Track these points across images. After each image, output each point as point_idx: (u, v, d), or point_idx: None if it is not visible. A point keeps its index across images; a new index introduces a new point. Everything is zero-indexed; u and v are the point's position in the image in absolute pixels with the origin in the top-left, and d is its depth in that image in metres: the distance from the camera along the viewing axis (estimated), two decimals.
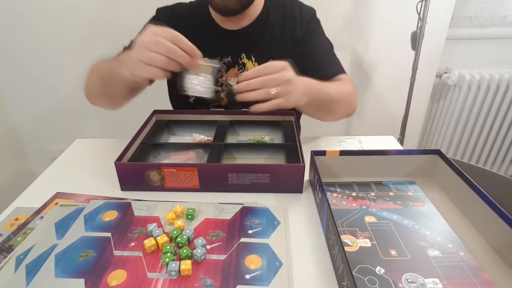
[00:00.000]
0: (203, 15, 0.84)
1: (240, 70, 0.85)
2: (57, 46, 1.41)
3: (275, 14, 0.84)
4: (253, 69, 0.57)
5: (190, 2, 0.88)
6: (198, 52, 0.57)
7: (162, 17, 0.85)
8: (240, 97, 0.57)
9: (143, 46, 0.54)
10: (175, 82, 0.80)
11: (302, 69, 0.77)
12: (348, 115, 0.83)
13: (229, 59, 0.84)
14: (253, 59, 0.84)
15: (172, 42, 0.54)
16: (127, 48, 0.82)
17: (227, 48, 0.84)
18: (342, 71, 0.84)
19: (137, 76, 0.58)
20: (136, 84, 0.70)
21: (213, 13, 0.82)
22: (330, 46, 0.87)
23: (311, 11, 0.87)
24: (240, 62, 0.84)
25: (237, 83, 0.58)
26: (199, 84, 0.60)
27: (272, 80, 0.56)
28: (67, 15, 1.35)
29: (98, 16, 1.36)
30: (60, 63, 1.45)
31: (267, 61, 0.81)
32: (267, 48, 0.84)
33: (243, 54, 0.84)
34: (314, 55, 0.85)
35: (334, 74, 0.82)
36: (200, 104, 0.87)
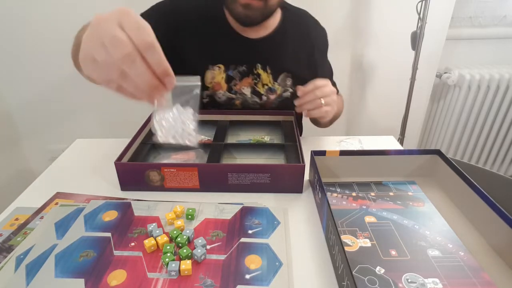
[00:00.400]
0: (219, 15, 0.81)
1: (255, 81, 0.84)
2: (57, 46, 1.41)
3: (293, 28, 0.85)
4: (309, 84, 0.71)
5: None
6: (172, 79, 0.38)
7: (178, 5, 0.79)
8: (299, 109, 0.73)
9: (95, 36, 0.35)
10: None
11: (309, 80, 0.83)
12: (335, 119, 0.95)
13: (243, 68, 0.83)
14: (268, 71, 0.84)
15: (143, 54, 0.35)
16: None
17: (243, 57, 0.82)
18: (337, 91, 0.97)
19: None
20: None
21: (230, 18, 0.80)
22: (331, 69, 0.97)
23: (325, 34, 0.92)
24: (255, 72, 0.83)
25: (296, 92, 0.72)
26: (175, 129, 0.45)
27: (322, 92, 0.70)
28: (68, 14, 1.35)
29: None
30: (60, 63, 1.45)
31: (281, 73, 0.86)
32: (283, 60, 0.84)
33: (258, 64, 0.83)
34: (321, 74, 0.91)
35: None
36: (213, 106, 0.86)
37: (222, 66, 0.82)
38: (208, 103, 0.86)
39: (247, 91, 0.85)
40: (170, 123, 0.45)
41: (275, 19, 0.82)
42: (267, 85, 0.85)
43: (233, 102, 0.85)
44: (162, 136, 0.45)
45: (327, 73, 0.96)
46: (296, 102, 0.72)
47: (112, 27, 0.35)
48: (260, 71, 0.83)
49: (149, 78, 0.36)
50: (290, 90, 0.86)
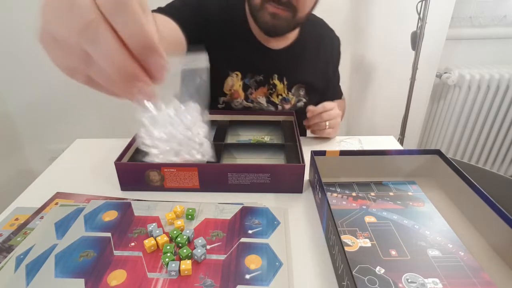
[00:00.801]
0: (242, 20, 0.79)
1: (270, 91, 0.84)
2: None
3: (311, 39, 0.85)
4: (317, 108, 0.77)
5: None
6: (160, 59, 0.25)
7: (205, 2, 0.77)
8: (306, 125, 0.80)
9: (57, 8, 0.25)
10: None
11: (321, 91, 0.85)
12: None
13: (260, 77, 0.83)
14: (285, 82, 0.84)
15: (109, 20, 0.23)
16: (163, 10, 0.71)
17: (261, 66, 0.82)
18: (342, 95, 1.03)
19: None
20: None
21: (253, 25, 0.79)
22: (339, 76, 0.99)
23: (339, 44, 0.94)
24: (271, 82, 0.83)
25: (307, 111, 0.78)
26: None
27: (329, 115, 0.77)
28: None
29: None
30: None
31: (296, 84, 0.87)
32: (300, 72, 0.85)
33: (275, 75, 0.83)
34: (333, 83, 0.96)
35: (338, 98, 1.00)
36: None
37: (239, 74, 0.82)
38: (225, 108, 0.86)
39: (262, 100, 0.85)
40: (167, 132, 0.30)
41: (295, 31, 0.82)
42: (281, 95, 0.85)
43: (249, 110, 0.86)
44: (157, 153, 0.31)
45: (337, 81, 0.99)
46: (305, 122, 0.80)
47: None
48: (276, 81, 0.83)
49: (120, 58, 0.23)
50: (304, 100, 0.87)
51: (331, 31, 0.92)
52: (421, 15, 1.25)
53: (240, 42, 0.80)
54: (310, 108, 0.77)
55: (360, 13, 1.38)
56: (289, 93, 0.85)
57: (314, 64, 0.86)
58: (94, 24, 0.22)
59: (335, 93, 1.00)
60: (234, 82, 0.82)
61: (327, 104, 0.76)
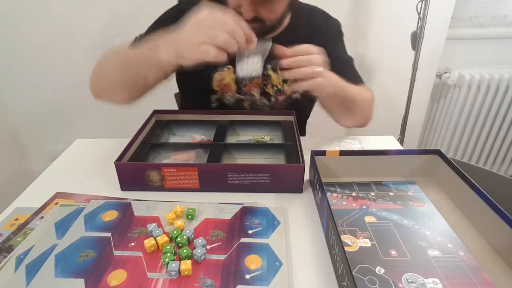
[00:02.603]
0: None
1: (265, 82, 0.84)
2: (57, 47, 1.41)
3: (301, 27, 0.83)
4: (295, 47, 0.59)
5: None
6: (254, 37, 0.56)
7: (184, 7, 0.76)
8: (286, 74, 0.59)
9: (200, 25, 0.52)
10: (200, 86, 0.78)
11: None
12: (363, 124, 0.84)
13: None
14: (279, 72, 0.83)
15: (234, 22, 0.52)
16: (141, 36, 0.78)
17: None
18: (362, 82, 0.85)
19: (189, 58, 0.54)
20: (175, 68, 0.62)
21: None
22: (350, 58, 0.89)
23: (337, 25, 0.88)
24: (265, 73, 0.83)
25: (277, 58, 0.60)
26: (250, 65, 0.61)
27: (316, 59, 0.59)
28: (67, 15, 1.35)
29: (99, 20, 1.36)
30: (60, 63, 1.46)
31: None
32: None
33: (268, 65, 0.82)
34: (335, 66, 0.82)
35: (355, 84, 0.82)
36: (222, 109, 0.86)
37: (231, 67, 0.81)
38: (217, 108, 0.86)
39: (256, 92, 0.84)
40: (250, 62, 0.60)
41: (285, 19, 0.81)
42: (276, 86, 0.85)
43: (242, 104, 0.85)
44: (242, 71, 0.61)
45: (343, 62, 0.86)
46: (281, 65, 0.60)
47: (213, 16, 0.53)
48: (270, 72, 0.83)
49: (244, 39, 0.54)
50: (300, 91, 0.86)
51: (324, 14, 0.88)
52: (421, 15, 1.25)
53: None
54: (286, 49, 0.60)
55: (360, 12, 1.38)
56: (284, 84, 0.85)
57: None
58: (237, 28, 0.54)
59: (350, 78, 0.80)
60: (224, 76, 0.82)
61: (307, 46, 0.60)
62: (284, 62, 0.59)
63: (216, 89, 0.83)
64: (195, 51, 0.52)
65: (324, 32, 0.85)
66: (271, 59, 0.72)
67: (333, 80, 0.65)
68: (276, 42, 0.82)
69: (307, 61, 0.59)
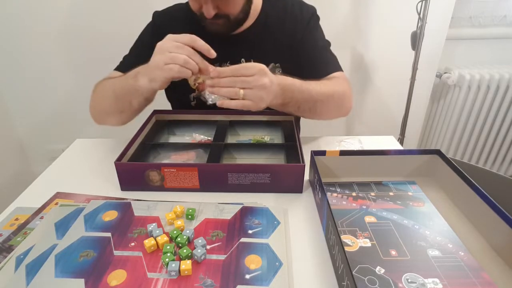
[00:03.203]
0: (197, 20, 0.79)
1: None
2: (57, 46, 1.41)
3: (275, 16, 0.83)
4: (229, 67, 0.59)
5: (187, 2, 0.83)
6: (212, 52, 0.61)
7: (158, 21, 0.85)
8: (210, 90, 0.61)
9: (162, 50, 0.59)
10: (177, 86, 0.79)
11: (297, 67, 0.78)
12: (341, 116, 0.80)
13: (227, 64, 0.82)
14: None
15: (189, 45, 0.59)
16: (125, 58, 0.83)
17: (225, 53, 0.78)
18: (336, 69, 0.82)
19: (158, 79, 0.60)
20: (152, 92, 0.69)
21: None
22: (326, 43, 0.86)
23: (311, 10, 0.85)
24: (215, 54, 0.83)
25: (211, 76, 0.60)
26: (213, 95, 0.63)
27: (244, 82, 0.58)
28: (67, 17, 1.35)
29: (99, 21, 1.36)
30: (60, 64, 1.45)
31: (268, 64, 0.80)
32: (267, 51, 0.83)
33: (242, 59, 0.82)
34: (309, 54, 0.83)
35: (327, 73, 0.80)
36: (201, 107, 0.85)
37: None
38: (196, 106, 0.86)
39: None
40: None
41: (255, 11, 0.81)
42: None
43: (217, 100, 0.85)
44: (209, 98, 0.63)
45: (319, 48, 0.84)
46: (207, 83, 0.61)
47: (171, 43, 0.60)
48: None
49: (201, 60, 0.60)
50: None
51: (298, 1, 0.86)
52: (421, 15, 1.25)
53: (199, 35, 0.78)
54: (218, 68, 0.60)
55: (360, 13, 1.38)
56: None
57: (279, 39, 0.83)
58: (190, 50, 0.60)
59: (321, 64, 0.82)
60: (199, 75, 0.81)
61: (245, 66, 0.58)
62: (210, 82, 0.60)
63: (193, 88, 0.83)
64: (161, 71, 0.59)
65: (299, 18, 0.83)
66: None
67: (279, 92, 0.63)
68: (245, 39, 0.82)
69: (240, 82, 0.58)
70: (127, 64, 0.78)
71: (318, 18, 0.86)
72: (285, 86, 0.64)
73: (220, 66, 0.80)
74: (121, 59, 0.84)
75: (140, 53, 0.80)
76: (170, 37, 0.60)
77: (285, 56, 0.83)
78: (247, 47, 0.82)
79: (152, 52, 0.74)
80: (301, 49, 0.84)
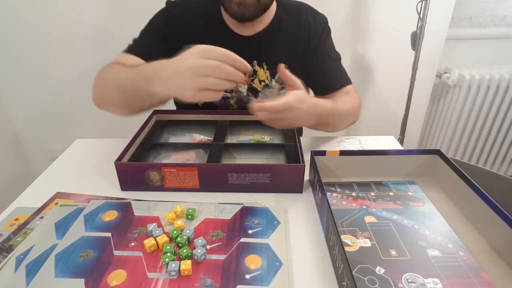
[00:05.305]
0: (214, 16, 0.81)
1: (251, 77, 0.83)
2: (57, 46, 1.41)
3: (289, 21, 0.83)
4: (273, 106, 0.56)
5: None
6: (249, 68, 0.55)
7: (173, 10, 0.82)
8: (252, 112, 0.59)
9: (196, 73, 0.51)
10: None
11: (306, 76, 0.79)
12: (351, 125, 0.84)
13: None
14: (265, 67, 0.83)
15: (227, 63, 0.52)
16: (135, 41, 0.79)
17: (237, 54, 0.81)
18: (349, 82, 0.85)
19: (187, 98, 0.54)
20: (169, 99, 0.65)
21: (225, 16, 0.80)
22: (338, 56, 0.88)
23: (324, 20, 0.87)
24: (252, 68, 0.83)
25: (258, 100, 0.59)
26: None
27: (281, 120, 0.58)
28: (67, 16, 1.35)
29: (98, 18, 1.36)
30: (60, 63, 1.45)
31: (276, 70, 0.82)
32: (279, 55, 0.83)
33: (254, 61, 0.82)
34: (323, 65, 0.84)
35: (342, 86, 0.83)
36: (208, 107, 0.86)
37: None
38: (203, 106, 0.86)
39: (243, 88, 0.84)
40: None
41: (270, 13, 0.81)
42: (264, 81, 0.84)
43: (228, 101, 0.85)
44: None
45: (332, 59, 0.86)
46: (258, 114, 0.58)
47: (205, 62, 0.52)
48: (257, 67, 0.83)
49: (242, 77, 0.54)
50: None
51: (311, 9, 0.86)
52: (421, 15, 1.25)
53: (213, 35, 0.78)
54: (268, 104, 0.57)
55: (360, 13, 1.38)
56: (273, 79, 0.85)
57: (293, 45, 0.83)
58: (232, 71, 0.53)
59: (332, 82, 0.83)
60: None
61: (290, 105, 0.57)
62: (260, 116, 0.57)
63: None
64: (190, 96, 0.53)
65: (313, 27, 0.84)
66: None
67: (312, 116, 0.65)
68: (259, 41, 0.82)
69: (273, 120, 0.58)
70: (138, 48, 0.77)
71: (330, 29, 0.87)
72: (317, 109, 0.65)
73: None
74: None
75: (152, 39, 0.79)
76: (200, 51, 0.53)
77: (296, 63, 0.82)
78: (260, 50, 0.82)
79: (165, 42, 0.73)
80: (314, 59, 0.84)
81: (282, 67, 0.60)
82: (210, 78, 0.51)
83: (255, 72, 0.83)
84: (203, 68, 0.51)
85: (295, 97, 0.58)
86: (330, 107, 0.70)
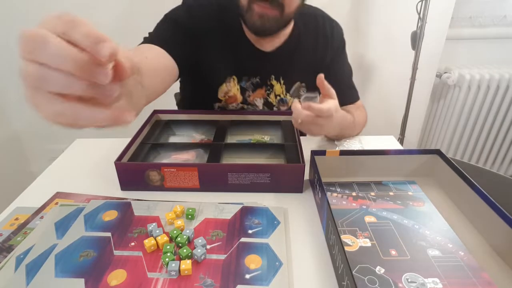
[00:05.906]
0: (236, 26, 0.78)
1: (268, 91, 0.84)
2: None
3: (308, 35, 0.82)
4: (320, 108, 0.56)
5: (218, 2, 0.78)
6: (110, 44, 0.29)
7: (194, 6, 0.76)
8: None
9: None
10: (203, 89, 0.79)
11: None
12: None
13: (257, 79, 0.82)
14: (282, 82, 0.83)
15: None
16: (150, 34, 0.74)
17: (257, 69, 0.81)
18: (359, 97, 0.91)
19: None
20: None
21: (246, 29, 0.78)
22: (351, 71, 0.90)
23: (341, 32, 0.87)
24: (269, 83, 0.83)
25: (301, 102, 0.58)
26: None
27: (317, 126, 0.59)
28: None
29: (98, 20, 1.36)
30: None
31: (295, 83, 0.83)
32: (297, 71, 0.83)
33: (272, 76, 0.82)
34: (336, 78, 0.82)
35: (351, 101, 0.88)
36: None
37: (235, 78, 0.82)
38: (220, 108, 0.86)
39: (259, 102, 0.84)
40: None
41: (288, 28, 0.80)
42: (279, 95, 0.85)
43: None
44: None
45: (346, 73, 0.89)
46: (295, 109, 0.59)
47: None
48: (274, 82, 0.83)
49: (72, 52, 0.25)
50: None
51: (328, 20, 0.86)
52: (421, 15, 1.25)
53: (233, 46, 0.79)
54: (309, 105, 0.57)
55: (360, 12, 1.38)
56: (287, 94, 0.85)
57: (310, 60, 0.83)
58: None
59: (346, 95, 0.85)
60: (231, 88, 0.82)
61: (327, 111, 0.57)
62: (298, 116, 0.57)
63: (221, 99, 0.83)
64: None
65: (329, 41, 0.84)
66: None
67: (337, 126, 0.67)
68: (278, 57, 0.82)
69: (309, 122, 0.58)
70: (160, 38, 0.71)
71: (345, 42, 0.88)
72: (342, 121, 0.68)
73: (249, 81, 0.82)
74: None
75: (171, 29, 0.74)
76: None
77: (313, 77, 0.82)
78: (278, 66, 0.82)
79: (184, 35, 0.73)
80: (328, 72, 0.83)
81: (321, 76, 0.60)
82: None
83: (271, 86, 0.83)
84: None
85: (335, 106, 0.59)
86: (351, 120, 0.74)
